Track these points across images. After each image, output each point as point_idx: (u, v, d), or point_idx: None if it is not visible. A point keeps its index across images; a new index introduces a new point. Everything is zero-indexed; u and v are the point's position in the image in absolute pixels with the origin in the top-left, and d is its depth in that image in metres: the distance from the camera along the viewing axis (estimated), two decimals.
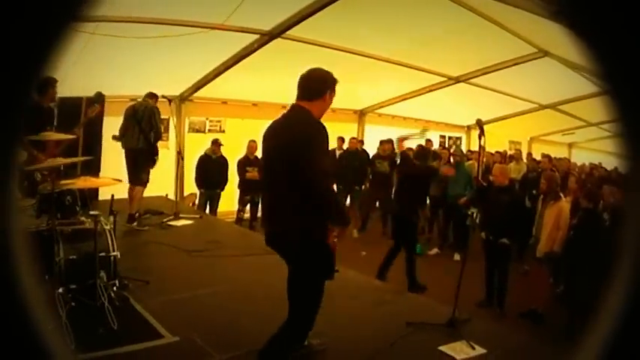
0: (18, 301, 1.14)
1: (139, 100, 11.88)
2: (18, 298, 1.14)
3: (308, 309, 5.21)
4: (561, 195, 10.46)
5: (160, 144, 13.92)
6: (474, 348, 6.61)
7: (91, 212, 7.27)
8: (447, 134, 25.94)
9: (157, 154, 11.73)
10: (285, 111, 5.40)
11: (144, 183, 11.68)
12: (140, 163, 11.58)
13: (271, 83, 16.43)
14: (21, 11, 1.06)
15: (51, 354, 1.18)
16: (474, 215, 8.95)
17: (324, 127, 5.05)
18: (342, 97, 17.46)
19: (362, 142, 19.53)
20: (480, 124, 7.58)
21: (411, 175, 12.06)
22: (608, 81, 1.12)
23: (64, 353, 1.24)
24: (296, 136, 4.95)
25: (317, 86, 5.19)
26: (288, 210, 5.05)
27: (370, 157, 18.05)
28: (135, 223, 11.56)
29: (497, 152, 20.54)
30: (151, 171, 11.78)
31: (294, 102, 5.29)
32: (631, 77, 1.07)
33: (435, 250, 15.04)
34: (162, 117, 12.06)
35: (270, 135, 5.31)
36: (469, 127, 26.04)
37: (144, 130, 11.42)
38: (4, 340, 1.13)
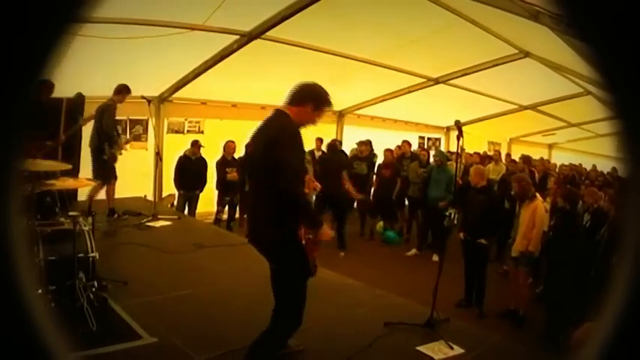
0: (18, 302, 1.15)
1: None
2: (18, 299, 1.15)
3: (289, 307, 5.25)
4: (537, 194, 10.48)
5: (138, 145, 13.96)
6: (452, 348, 6.65)
7: (70, 213, 7.25)
8: (426, 135, 25.91)
9: (104, 153, 11.70)
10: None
11: (103, 180, 11.72)
12: (95, 161, 11.77)
13: (251, 84, 16.39)
14: (22, 13, 1.06)
15: (51, 354, 1.18)
16: (452, 216, 8.96)
17: (294, 127, 5.17)
18: None
19: (340, 142, 19.46)
20: (458, 125, 7.60)
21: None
22: (611, 88, 1.13)
23: (63, 354, 1.24)
24: (266, 138, 5.09)
25: (300, 94, 5.30)
26: (264, 211, 5.14)
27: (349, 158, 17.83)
28: (115, 215, 11.89)
29: (475, 153, 20.56)
30: (130, 172, 11.80)
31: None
32: (632, 81, 1.08)
33: (413, 251, 14.99)
34: (140, 119, 12.04)
35: (251, 139, 5.40)
36: (448, 129, 25.98)
37: (97, 129, 11.60)
38: (4, 340, 1.13)
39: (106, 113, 11.59)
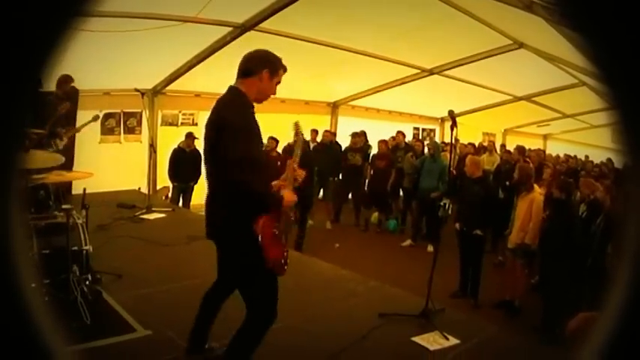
0: (18, 301, 1.14)
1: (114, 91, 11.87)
2: (18, 298, 1.14)
3: (260, 304, 5.01)
4: (535, 186, 10.49)
5: (132, 137, 14.01)
6: (447, 339, 6.66)
7: (64, 206, 7.23)
8: (421, 126, 25.96)
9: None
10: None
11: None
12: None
13: None
14: (23, 8, 1.05)
15: (51, 354, 1.17)
16: (446, 206, 8.97)
17: (245, 106, 4.83)
18: (316, 89, 17.48)
19: (334, 134, 19.47)
20: (452, 115, 7.60)
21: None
22: (607, 79, 1.12)
23: (63, 353, 1.23)
24: (213, 120, 4.81)
25: (251, 64, 4.92)
26: (215, 201, 4.98)
27: (343, 149, 17.84)
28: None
29: (469, 144, 20.58)
30: (124, 164, 11.76)
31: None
32: (630, 73, 1.07)
33: (408, 242, 15.02)
34: (134, 111, 11.96)
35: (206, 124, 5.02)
36: (443, 119, 26.06)
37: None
38: (4, 339, 1.12)
39: (44, 108, 11.40)
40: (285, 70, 5.06)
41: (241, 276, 5.04)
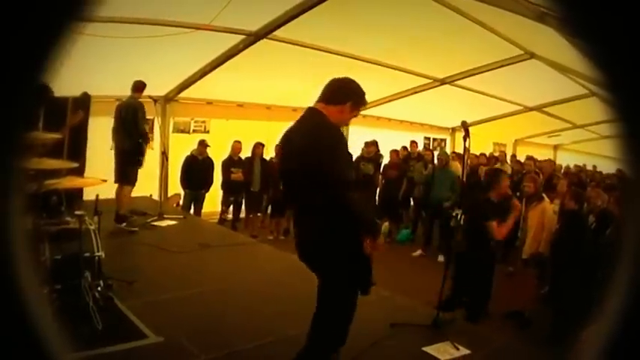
0: (18, 302, 1.14)
1: (126, 97, 11.84)
2: (18, 299, 1.14)
3: (336, 324, 5.09)
4: (544, 196, 10.48)
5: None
6: (458, 349, 6.63)
7: (77, 212, 7.24)
8: (432, 136, 25.94)
9: (141, 154, 11.59)
10: (300, 115, 5.19)
11: (131, 183, 11.60)
12: (125, 163, 11.43)
13: (257, 84, 16.40)
14: (23, 10, 1.06)
15: (51, 355, 1.18)
16: (458, 216, 8.94)
17: (338, 131, 4.94)
18: None
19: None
20: (465, 126, 7.60)
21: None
22: (608, 83, 1.12)
23: (64, 354, 1.23)
24: (316, 143, 4.76)
25: (339, 93, 4.99)
26: (315, 221, 4.91)
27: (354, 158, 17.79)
28: (124, 224, 11.47)
29: (482, 154, 20.55)
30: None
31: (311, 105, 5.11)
32: (631, 78, 1.07)
33: (418, 252, 14.97)
34: (147, 117, 11.95)
35: (287, 142, 5.11)
36: (454, 129, 26.05)
37: (127, 129, 11.37)
38: (4, 340, 1.13)
39: (139, 114, 11.49)
40: (365, 104, 5.25)
41: (337, 292, 5.10)
